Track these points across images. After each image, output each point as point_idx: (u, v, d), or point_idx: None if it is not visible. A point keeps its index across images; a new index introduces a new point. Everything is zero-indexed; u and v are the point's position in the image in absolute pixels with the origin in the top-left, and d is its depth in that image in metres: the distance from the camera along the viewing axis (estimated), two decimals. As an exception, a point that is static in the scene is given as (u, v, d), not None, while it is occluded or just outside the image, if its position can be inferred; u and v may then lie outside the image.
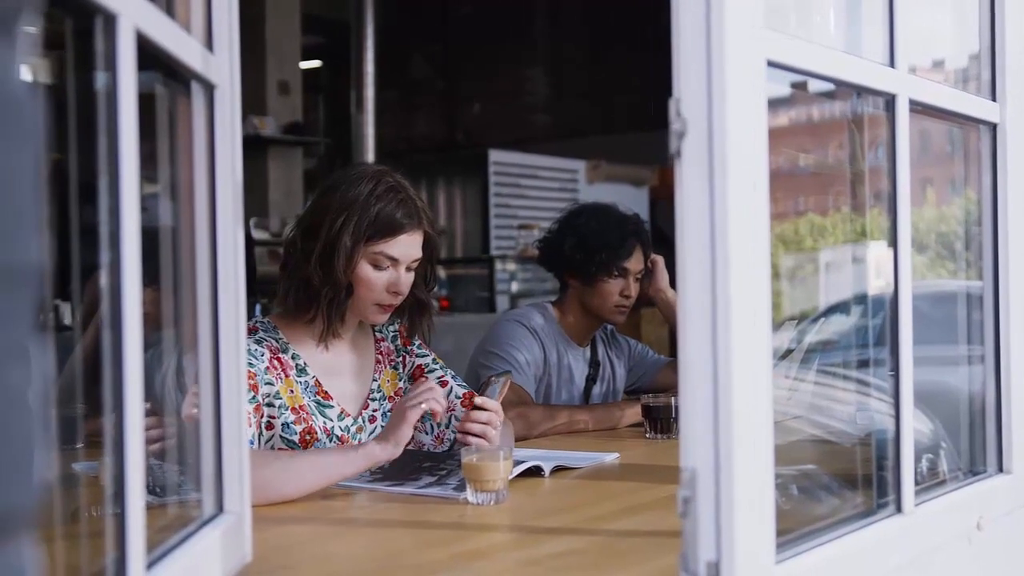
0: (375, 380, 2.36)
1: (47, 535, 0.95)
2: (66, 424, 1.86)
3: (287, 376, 2.20)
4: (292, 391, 2.20)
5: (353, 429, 2.27)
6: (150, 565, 1.10)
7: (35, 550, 0.60)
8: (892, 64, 1.53)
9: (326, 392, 2.25)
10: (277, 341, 2.22)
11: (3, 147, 0.55)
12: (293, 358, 2.24)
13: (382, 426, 2.30)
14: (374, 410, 2.34)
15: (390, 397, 2.37)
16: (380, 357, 2.39)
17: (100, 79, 1.03)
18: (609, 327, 3.22)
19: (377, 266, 2.21)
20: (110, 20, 1.00)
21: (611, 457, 2.36)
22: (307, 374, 2.24)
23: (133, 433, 1.02)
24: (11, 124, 0.55)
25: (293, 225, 2.31)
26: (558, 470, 2.19)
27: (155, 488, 1.39)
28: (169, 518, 1.41)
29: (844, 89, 1.62)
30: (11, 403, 0.56)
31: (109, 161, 1.02)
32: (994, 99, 1.82)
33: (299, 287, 2.22)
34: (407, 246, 2.22)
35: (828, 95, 1.73)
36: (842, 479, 1.72)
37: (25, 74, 0.57)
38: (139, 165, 1.05)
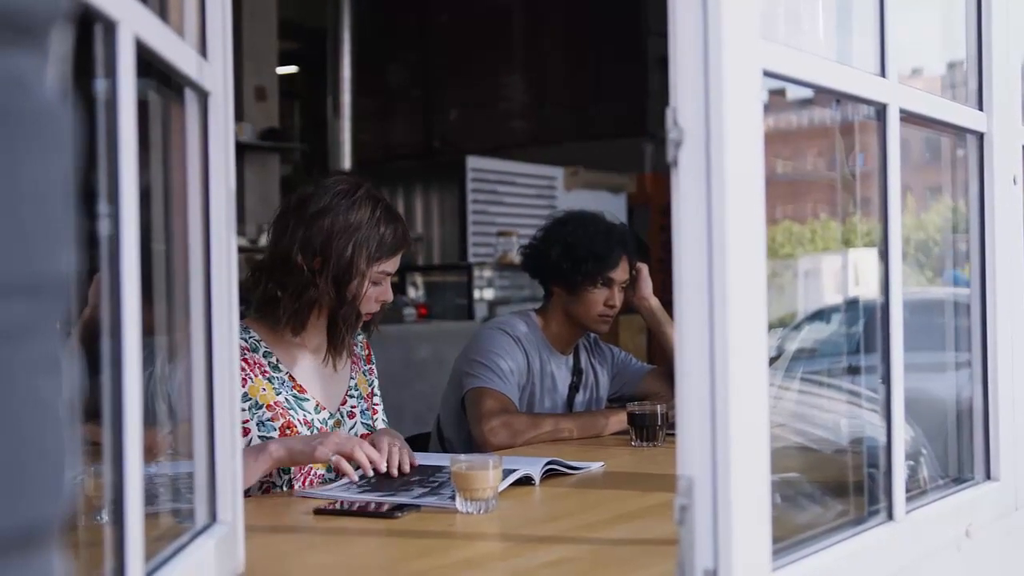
0: (352, 379, 2.44)
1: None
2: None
3: (256, 376, 2.25)
4: (264, 389, 2.25)
5: (331, 423, 2.34)
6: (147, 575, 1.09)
7: (65, 559, 0.60)
8: (883, 74, 1.54)
9: (301, 386, 2.31)
10: (247, 340, 2.24)
11: (37, 157, 0.54)
12: (265, 356, 2.29)
13: (362, 423, 2.41)
14: (352, 406, 2.42)
15: (365, 397, 2.46)
16: (355, 358, 2.48)
17: (99, 85, 1.02)
18: (592, 335, 3.22)
19: (376, 283, 2.31)
20: (110, 27, 0.99)
21: (597, 466, 2.36)
22: (281, 371, 2.30)
23: (132, 443, 1.01)
24: (44, 135, 0.55)
25: (278, 240, 2.30)
26: (549, 474, 2.20)
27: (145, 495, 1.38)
28: (161, 528, 1.40)
29: (822, 97, 1.63)
30: (44, 414, 0.55)
31: (109, 168, 1.01)
32: (981, 108, 1.83)
33: (307, 307, 2.27)
34: (399, 260, 2.36)
35: (805, 103, 1.74)
36: (831, 487, 1.72)
37: (57, 85, 0.57)
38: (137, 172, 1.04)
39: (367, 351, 2.55)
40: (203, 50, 1.36)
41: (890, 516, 1.53)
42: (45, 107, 0.55)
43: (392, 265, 2.33)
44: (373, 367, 2.54)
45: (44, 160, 0.55)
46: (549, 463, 2.21)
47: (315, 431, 2.27)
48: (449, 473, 2.09)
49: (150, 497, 1.44)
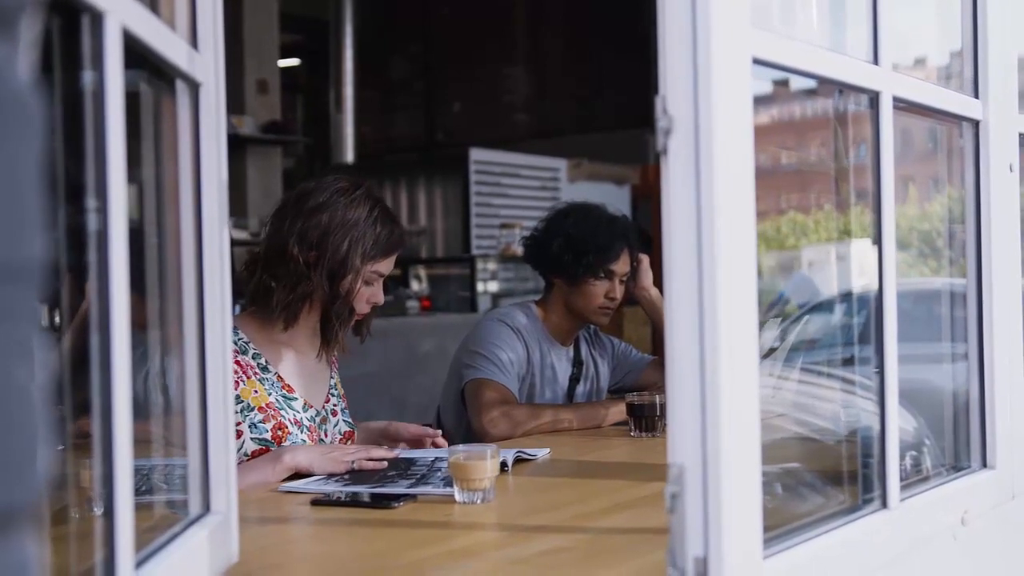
0: (332, 378, 2.48)
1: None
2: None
3: (249, 377, 2.27)
4: (256, 391, 2.28)
5: (318, 420, 2.38)
6: (138, 564, 1.09)
7: (38, 545, 0.60)
8: (876, 61, 1.54)
9: (289, 386, 2.34)
10: (235, 343, 2.26)
11: (8, 143, 0.54)
12: (254, 357, 2.31)
13: (343, 420, 2.46)
14: (334, 405, 2.46)
15: (343, 396, 2.51)
16: (334, 360, 2.52)
17: (86, 77, 1.02)
18: (592, 326, 3.22)
19: (367, 283, 2.33)
20: (97, 18, 1.00)
21: (543, 452, 2.39)
22: (269, 371, 2.32)
23: (121, 434, 1.02)
24: (15, 121, 0.55)
25: (275, 233, 2.32)
26: (518, 462, 2.25)
27: (139, 487, 1.39)
28: (154, 518, 1.40)
29: (826, 87, 1.63)
30: (16, 399, 0.56)
31: (96, 160, 1.01)
32: (976, 96, 1.83)
33: (300, 300, 2.29)
34: (392, 263, 2.39)
35: (810, 92, 1.74)
36: (827, 476, 1.72)
37: (27, 72, 0.57)
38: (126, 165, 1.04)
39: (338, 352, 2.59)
40: (194, 41, 1.36)
41: (884, 504, 1.53)
42: (16, 94, 0.55)
43: (385, 266, 2.35)
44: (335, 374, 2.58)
45: (15, 147, 0.55)
46: (517, 457, 2.26)
47: (305, 430, 2.30)
48: (427, 464, 2.12)
49: (147, 489, 1.44)
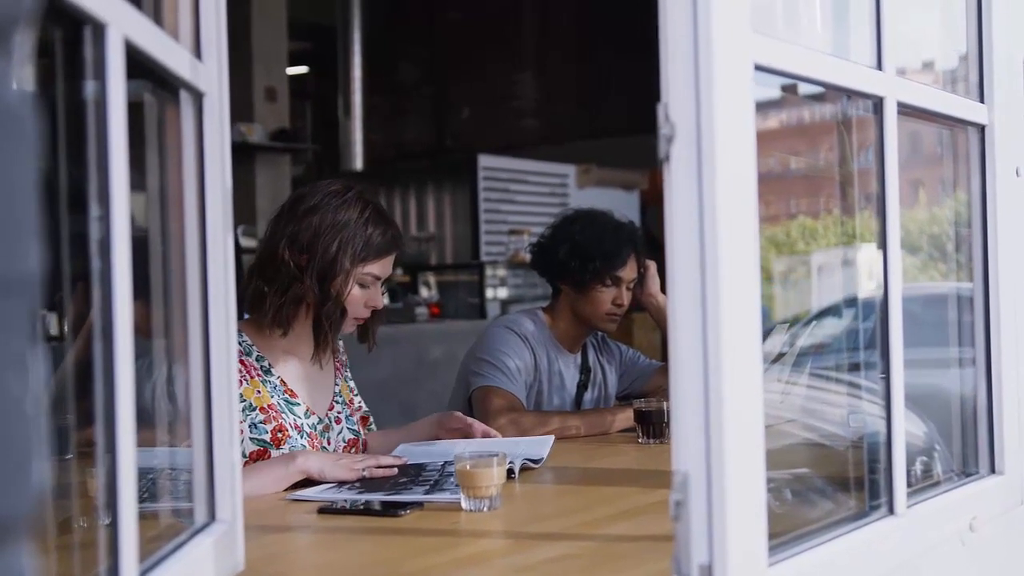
0: (336, 385, 2.48)
1: (39, 545, 0.95)
2: (56, 434, 1.86)
3: (252, 378, 2.29)
4: (259, 391, 2.29)
5: (320, 428, 2.38)
6: (143, 574, 1.09)
7: (33, 557, 0.60)
8: (880, 67, 1.53)
9: (292, 391, 2.34)
10: (240, 344, 2.27)
11: (2, 157, 0.55)
12: (258, 360, 2.32)
13: (347, 428, 2.46)
14: (338, 412, 2.46)
15: (347, 403, 2.50)
16: (338, 366, 2.52)
17: (89, 87, 1.03)
18: (600, 332, 3.21)
19: (362, 285, 2.33)
20: (99, 29, 1.00)
21: (548, 441, 2.41)
22: (273, 375, 2.33)
23: (125, 443, 1.02)
24: (10, 134, 0.55)
25: (270, 238, 2.33)
26: (525, 469, 2.24)
27: (144, 495, 1.39)
28: (160, 527, 1.40)
29: (833, 92, 1.62)
30: (10, 411, 0.56)
31: (99, 170, 1.01)
32: (982, 101, 1.82)
33: (292, 303, 2.29)
34: (389, 266, 2.38)
35: (818, 98, 1.73)
36: (835, 481, 1.72)
37: (21, 83, 0.57)
38: (128, 174, 1.04)
39: (346, 356, 2.60)
40: (198, 51, 1.37)
41: (891, 510, 1.52)
42: (11, 107, 0.56)
43: (380, 268, 2.34)
44: (348, 372, 2.58)
45: (11, 159, 0.55)
46: (523, 465, 2.24)
47: (304, 435, 2.30)
48: (437, 469, 2.13)
49: (152, 496, 1.44)
